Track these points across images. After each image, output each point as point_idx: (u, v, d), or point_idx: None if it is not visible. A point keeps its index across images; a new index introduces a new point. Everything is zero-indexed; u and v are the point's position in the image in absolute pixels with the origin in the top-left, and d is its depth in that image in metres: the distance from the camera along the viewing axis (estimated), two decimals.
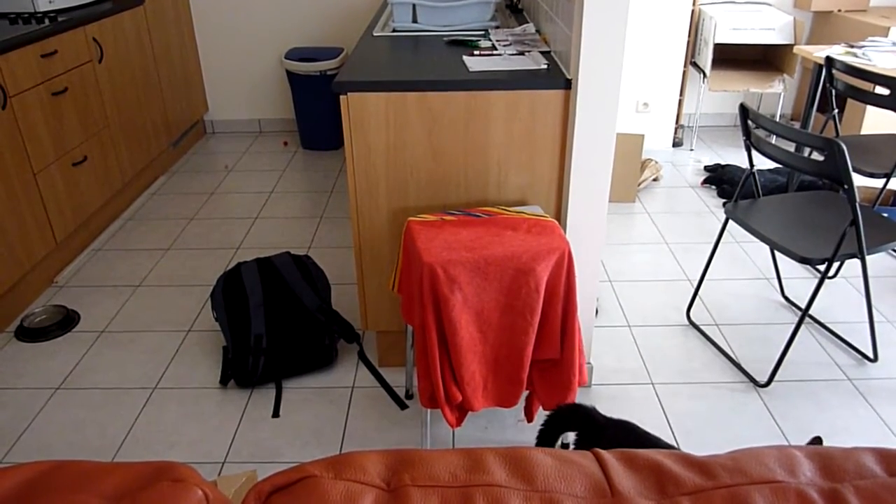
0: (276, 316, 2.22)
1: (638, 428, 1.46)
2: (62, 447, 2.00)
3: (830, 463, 0.67)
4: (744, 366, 2.28)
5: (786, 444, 1.98)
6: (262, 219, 3.36)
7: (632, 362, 2.31)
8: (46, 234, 2.70)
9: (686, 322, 2.51)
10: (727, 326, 2.48)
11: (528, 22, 2.57)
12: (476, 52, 2.14)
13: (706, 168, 3.82)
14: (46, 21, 2.87)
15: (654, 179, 3.69)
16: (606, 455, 0.70)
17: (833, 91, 2.87)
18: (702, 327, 2.48)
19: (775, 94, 4.35)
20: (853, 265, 2.80)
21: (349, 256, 2.99)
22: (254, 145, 4.36)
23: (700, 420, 2.06)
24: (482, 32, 2.45)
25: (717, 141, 4.28)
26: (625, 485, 0.66)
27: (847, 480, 0.65)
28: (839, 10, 4.06)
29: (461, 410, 1.79)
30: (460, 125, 1.92)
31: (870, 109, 3.44)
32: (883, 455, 0.68)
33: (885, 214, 2.31)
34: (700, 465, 0.68)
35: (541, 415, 2.04)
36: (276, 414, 2.11)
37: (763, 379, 2.20)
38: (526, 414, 1.92)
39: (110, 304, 2.69)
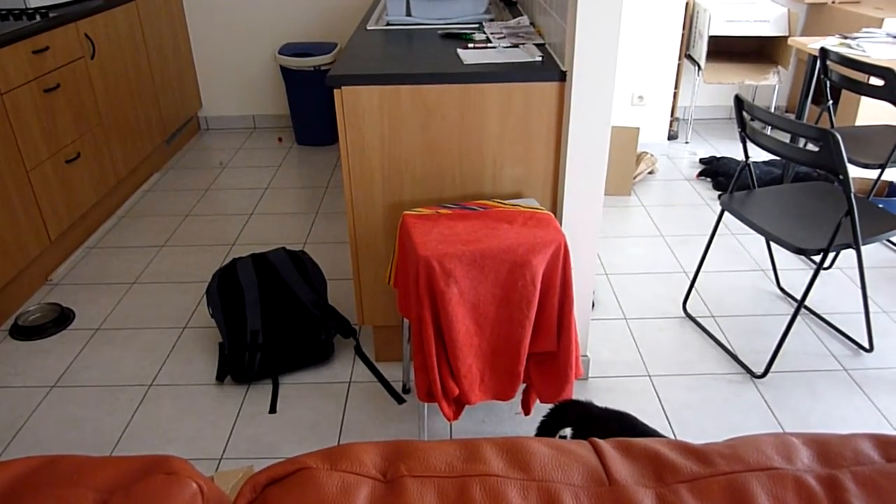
0: (272, 312, 2.21)
1: (635, 419, 1.46)
2: (58, 445, 1.99)
3: (828, 449, 0.67)
4: (740, 357, 2.28)
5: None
6: (257, 215, 3.35)
7: (628, 355, 2.31)
8: (40, 231, 2.68)
9: (682, 314, 2.51)
10: (723, 318, 2.48)
11: (522, 14, 2.56)
12: (470, 45, 2.13)
13: (701, 160, 3.82)
14: (38, 17, 2.84)
15: (650, 172, 3.69)
16: (603, 444, 0.70)
17: (827, 82, 2.87)
18: (698, 319, 2.48)
19: (770, 86, 4.35)
20: (848, 256, 2.80)
21: (345, 251, 2.98)
22: (248, 141, 4.34)
23: (697, 411, 2.06)
24: (476, 25, 2.44)
25: (712, 133, 4.28)
26: (622, 473, 0.66)
27: (845, 466, 0.65)
28: (833, 2, 4.06)
29: (458, 404, 1.79)
30: (455, 118, 1.91)
31: (864, 100, 3.44)
32: (880, 441, 0.68)
33: (881, 205, 2.32)
34: (697, 453, 0.68)
35: (538, 407, 2.04)
36: (272, 410, 2.11)
37: (759, 370, 2.21)
38: (523, 407, 1.92)
39: (105, 301, 2.68)
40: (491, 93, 1.88)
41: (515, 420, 2.05)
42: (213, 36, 4.29)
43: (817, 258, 2.68)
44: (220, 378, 2.23)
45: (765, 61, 4.12)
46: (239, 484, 1.62)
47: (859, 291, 2.61)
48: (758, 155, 3.69)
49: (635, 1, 3.74)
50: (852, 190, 1.96)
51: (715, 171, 3.63)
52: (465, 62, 1.95)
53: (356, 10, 4.24)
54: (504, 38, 2.21)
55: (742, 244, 2.98)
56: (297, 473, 0.64)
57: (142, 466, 0.64)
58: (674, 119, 4.18)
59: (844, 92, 3.43)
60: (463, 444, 0.69)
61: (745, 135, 2.27)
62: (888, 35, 3.15)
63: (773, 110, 4.15)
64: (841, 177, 1.95)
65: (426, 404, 1.87)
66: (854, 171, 2.19)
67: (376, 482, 0.64)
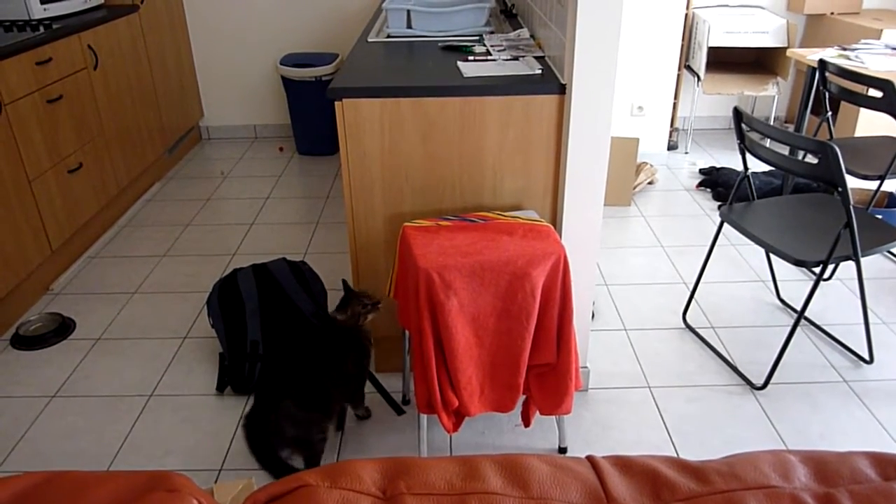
0: (273, 322, 2.22)
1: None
2: (58, 455, 1.99)
3: (825, 468, 0.67)
4: (740, 368, 2.28)
5: (780, 447, 1.99)
6: (258, 225, 3.36)
7: (628, 366, 2.31)
8: (41, 241, 2.69)
9: (682, 325, 2.52)
10: (723, 329, 2.48)
11: (522, 27, 2.57)
12: (470, 58, 2.15)
13: (701, 171, 3.83)
14: (41, 28, 2.87)
15: (650, 183, 3.70)
16: (602, 461, 0.70)
17: (826, 94, 2.88)
18: (698, 330, 2.48)
19: (769, 97, 4.36)
20: (848, 267, 2.80)
21: (345, 262, 2.99)
22: (249, 151, 4.36)
23: (697, 423, 2.06)
24: (477, 38, 2.45)
25: (711, 144, 4.29)
26: (620, 491, 0.66)
27: (841, 485, 0.65)
28: (832, 13, 4.08)
29: (458, 416, 1.79)
30: (455, 131, 1.92)
31: (863, 112, 3.46)
32: (877, 459, 0.68)
33: (880, 216, 2.32)
34: (695, 471, 0.68)
35: (538, 419, 2.04)
36: None
37: (759, 381, 2.21)
38: (523, 419, 1.92)
39: (106, 311, 2.68)
40: (491, 105, 1.89)
41: (515, 432, 2.05)
42: (214, 46, 4.31)
43: (817, 269, 2.68)
44: (220, 388, 2.23)
45: (764, 72, 4.14)
46: (238, 496, 1.62)
47: (859, 303, 2.61)
48: (758, 165, 3.70)
49: (635, 12, 3.76)
50: (851, 202, 1.97)
51: (714, 182, 3.64)
52: (465, 75, 1.96)
53: (357, 21, 4.26)
54: (504, 50, 2.22)
55: (742, 255, 2.98)
56: (297, 491, 0.64)
57: (143, 483, 0.65)
58: (673, 129, 4.19)
59: (843, 103, 3.44)
60: (462, 462, 0.70)
61: (744, 146, 2.28)
62: (887, 47, 3.16)
63: (772, 121, 4.16)
64: (839, 189, 1.96)
65: (426, 416, 1.87)
66: (853, 183, 2.20)
67: (376, 500, 0.65)
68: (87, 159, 3.04)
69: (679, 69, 3.96)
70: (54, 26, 2.91)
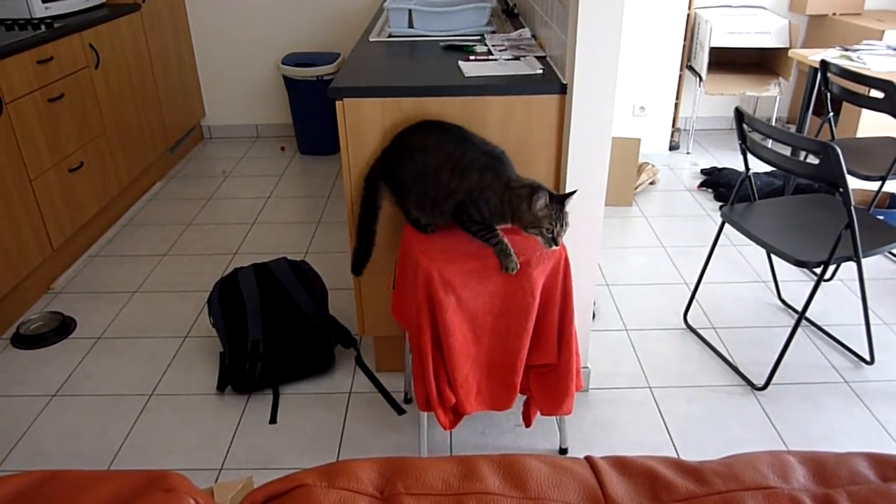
0: (273, 321, 2.22)
1: None
2: (59, 454, 1.99)
3: (823, 469, 0.67)
4: (741, 369, 2.28)
5: (781, 448, 1.98)
6: (259, 224, 3.36)
7: (629, 366, 2.31)
8: (43, 240, 2.69)
9: (683, 325, 2.51)
10: (724, 330, 2.48)
11: (523, 27, 2.57)
12: (472, 58, 2.14)
13: (703, 171, 3.83)
14: (42, 27, 2.87)
15: (651, 183, 3.70)
16: (600, 462, 0.70)
17: (828, 94, 2.88)
18: (699, 331, 2.48)
19: (771, 98, 4.36)
20: (850, 267, 2.80)
21: (346, 261, 2.99)
22: (251, 150, 4.36)
23: (697, 423, 2.06)
24: (478, 37, 2.45)
25: (713, 144, 4.29)
26: (618, 491, 0.66)
27: (840, 486, 0.65)
28: (834, 14, 4.07)
29: (455, 413, 1.79)
30: None
31: (865, 112, 3.45)
32: (876, 460, 0.68)
33: (881, 217, 2.32)
34: (693, 472, 0.68)
35: (538, 420, 2.04)
36: (273, 420, 2.11)
37: (760, 382, 2.20)
38: (524, 419, 1.92)
39: (107, 310, 2.68)
40: (492, 105, 1.89)
41: (516, 432, 2.04)
42: (216, 45, 4.32)
43: (818, 270, 2.68)
44: (221, 388, 2.24)
45: (766, 73, 4.13)
46: (238, 495, 1.62)
47: (860, 303, 2.61)
48: (759, 166, 3.69)
49: (637, 12, 3.76)
50: (852, 202, 1.96)
51: (716, 182, 3.63)
52: (466, 74, 1.96)
53: (359, 21, 4.26)
54: (505, 50, 2.22)
55: (743, 255, 2.98)
56: (295, 491, 0.64)
57: (141, 483, 0.65)
58: (675, 130, 4.19)
59: (845, 104, 3.44)
60: (460, 462, 0.69)
61: (746, 147, 2.28)
62: (888, 47, 3.16)
63: (774, 122, 4.15)
64: (841, 189, 1.95)
65: (426, 415, 1.87)
66: (855, 183, 2.20)
67: (373, 500, 0.65)
68: (89, 158, 3.04)
69: (681, 69, 3.95)
70: (55, 25, 2.91)
